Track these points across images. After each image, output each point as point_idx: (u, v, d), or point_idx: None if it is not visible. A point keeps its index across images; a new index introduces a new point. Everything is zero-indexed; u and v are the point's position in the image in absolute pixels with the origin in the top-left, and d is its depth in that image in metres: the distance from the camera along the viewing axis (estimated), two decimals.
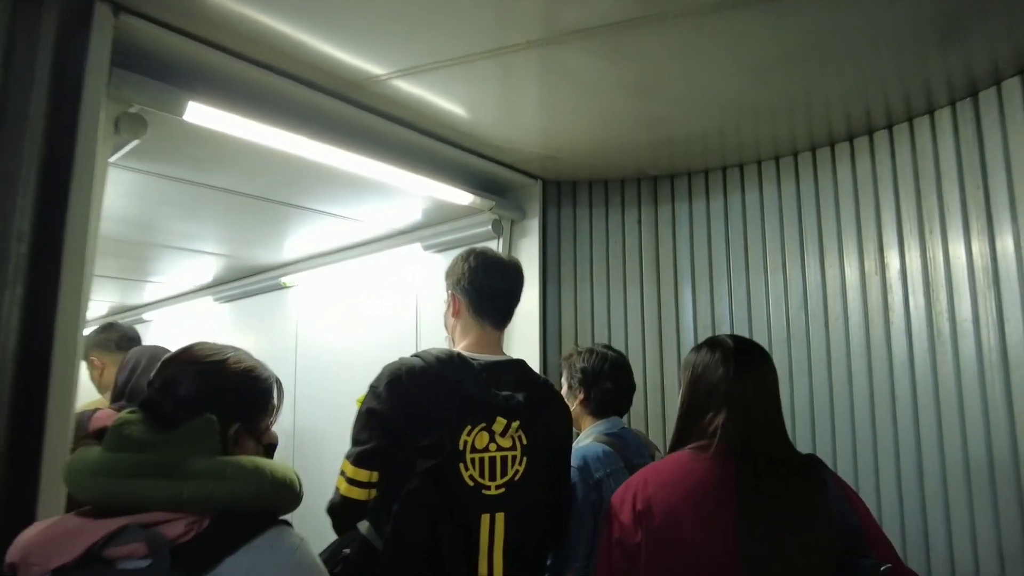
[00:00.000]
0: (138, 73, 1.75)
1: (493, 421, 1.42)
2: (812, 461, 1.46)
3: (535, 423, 1.49)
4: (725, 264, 2.74)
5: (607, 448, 1.90)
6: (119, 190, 2.73)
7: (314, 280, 3.95)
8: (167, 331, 5.54)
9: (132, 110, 1.82)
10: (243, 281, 4.43)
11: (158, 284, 5.15)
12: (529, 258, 2.88)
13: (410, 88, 2.08)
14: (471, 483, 1.38)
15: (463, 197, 2.64)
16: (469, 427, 1.40)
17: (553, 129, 2.41)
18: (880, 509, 2.24)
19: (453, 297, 1.60)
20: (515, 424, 1.43)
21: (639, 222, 2.92)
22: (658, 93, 2.11)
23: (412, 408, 1.37)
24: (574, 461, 1.79)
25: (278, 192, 2.91)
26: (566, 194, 3.02)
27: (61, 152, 1.56)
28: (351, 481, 1.33)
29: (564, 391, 2.13)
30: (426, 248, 3.16)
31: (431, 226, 3.22)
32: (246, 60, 1.89)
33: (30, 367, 1.48)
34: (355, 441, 1.39)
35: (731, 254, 2.73)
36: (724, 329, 2.69)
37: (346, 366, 3.65)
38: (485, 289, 1.55)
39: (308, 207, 3.07)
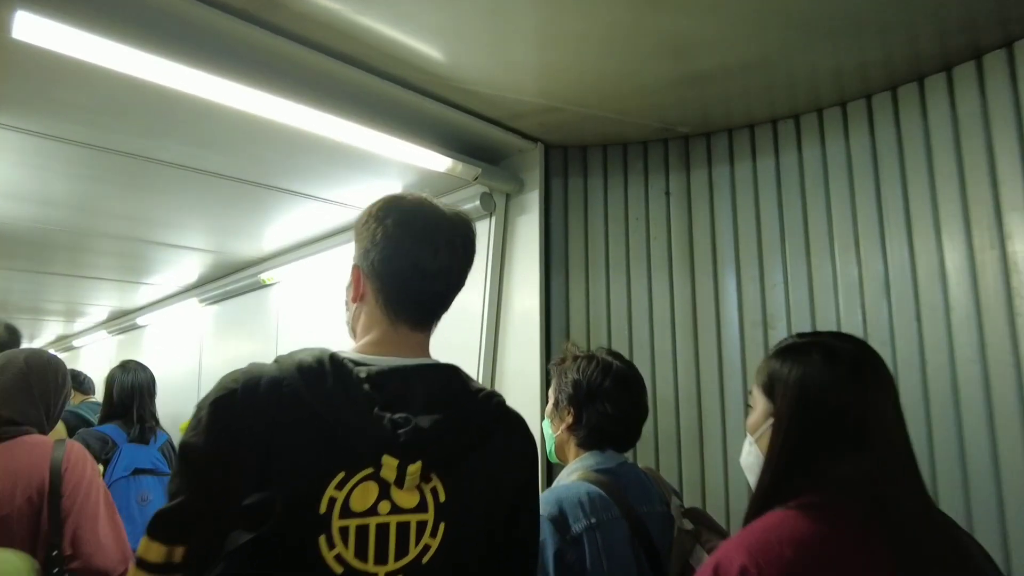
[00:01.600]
0: None
1: (380, 464, 0.87)
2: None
3: (464, 464, 0.94)
4: (779, 242, 2.12)
5: (596, 490, 1.33)
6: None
7: (294, 275, 3.47)
8: (160, 336, 5.16)
9: None
10: (225, 280, 4.02)
11: (151, 286, 4.79)
12: (528, 241, 2.32)
13: (355, 13, 1.55)
14: (339, 569, 0.83)
15: (438, 162, 2.09)
16: (342, 475, 0.85)
17: (555, 69, 1.84)
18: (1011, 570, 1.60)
19: (355, 272, 1.05)
20: (414, 468, 0.87)
21: (667, 193, 2.33)
22: (689, 7, 1.53)
23: (241, 445, 0.84)
24: (545, 509, 1.25)
25: (239, 168, 2.42)
26: (574, 160, 2.44)
27: None
28: (141, 564, 0.80)
29: (549, 409, 1.57)
30: None
31: None
32: None
33: None
34: (168, 495, 0.86)
35: (786, 229, 2.11)
36: (779, 327, 2.08)
37: None
38: (403, 269, 0.99)
39: (274, 186, 2.57)
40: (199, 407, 0.88)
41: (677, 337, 2.25)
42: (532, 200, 2.32)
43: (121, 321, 5.58)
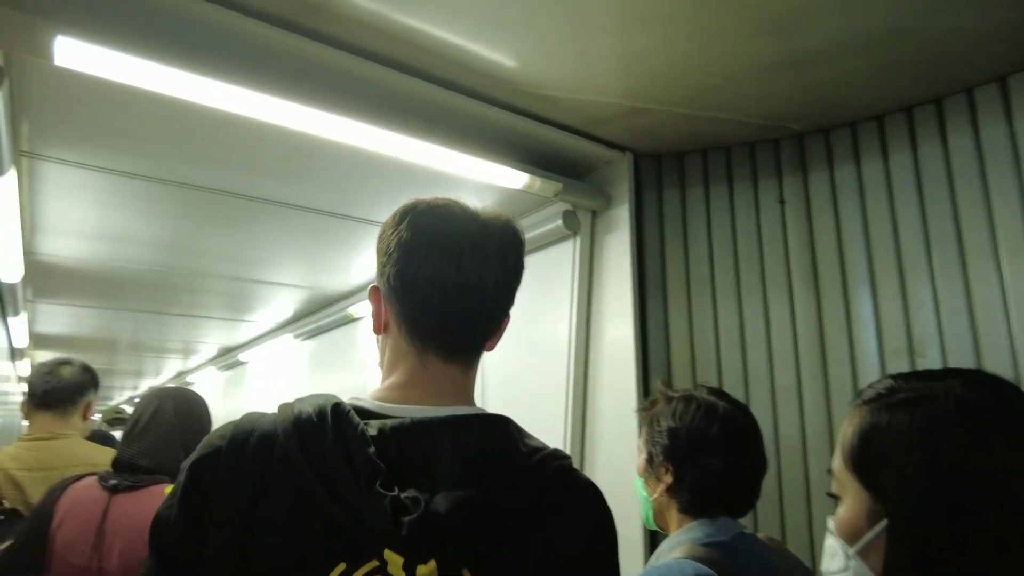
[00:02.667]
0: None
1: (384, 560, 0.64)
2: None
3: (507, 557, 0.69)
4: (924, 253, 1.74)
5: (704, 571, 1.03)
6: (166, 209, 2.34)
7: None
8: (261, 371, 5.27)
9: None
10: (317, 315, 4.01)
11: (252, 323, 4.91)
12: (619, 263, 2.05)
13: (421, 23, 1.39)
14: None
15: (513, 178, 1.88)
16: (342, 568, 0.64)
17: (639, 62, 1.60)
18: None
19: (373, 296, 0.84)
20: (425, 570, 0.64)
21: (781, 201, 2.00)
22: None
23: (216, 520, 0.66)
24: None
25: (322, 200, 2.35)
26: (669, 169, 2.16)
27: None
28: None
29: (640, 465, 1.29)
30: None
31: None
32: None
33: None
34: None
35: (932, 236, 1.73)
36: (931, 355, 1.69)
37: None
38: (419, 283, 0.77)
39: (352, 216, 2.50)
40: (180, 469, 0.70)
41: (802, 370, 1.89)
42: (622, 216, 2.06)
43: (227, 357, 5.76)
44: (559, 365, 2.10)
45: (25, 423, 2.05)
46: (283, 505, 0.66)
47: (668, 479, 1.20)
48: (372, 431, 0.70)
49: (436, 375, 0.79)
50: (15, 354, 4.78)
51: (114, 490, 1.52)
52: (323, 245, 2.91)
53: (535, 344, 2.25)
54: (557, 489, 0.74)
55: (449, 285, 0.76)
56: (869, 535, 0.72)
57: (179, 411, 1.68)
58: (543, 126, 1.86)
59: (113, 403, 11.62)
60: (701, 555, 1.07)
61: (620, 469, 1.90)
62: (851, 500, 0.75)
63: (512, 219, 0.84)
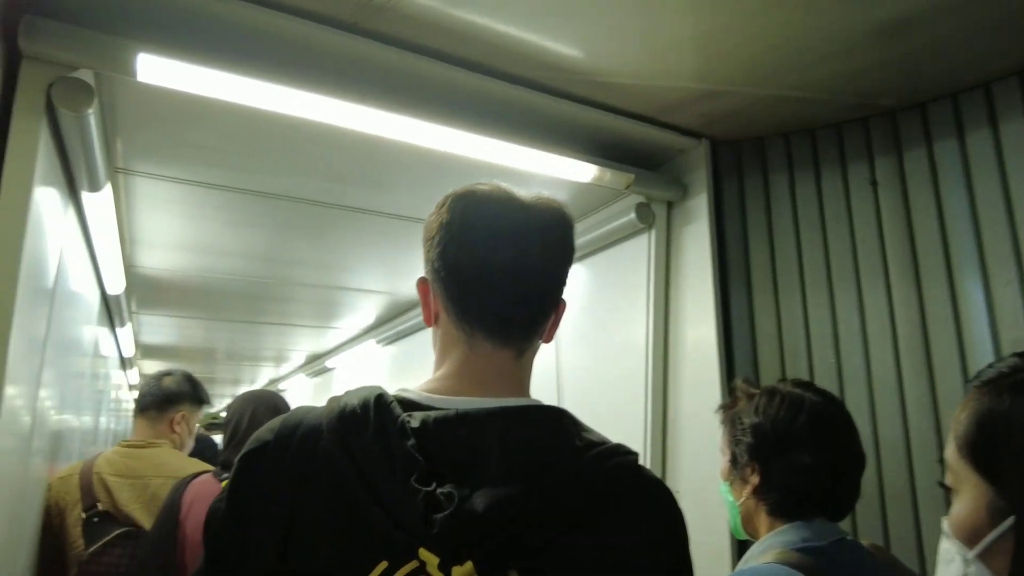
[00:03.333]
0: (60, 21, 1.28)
1: (422, 560, 0.61)
2: None
3: (562, 559, 0.64)
4: None
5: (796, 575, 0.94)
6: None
7: None
8: (347, 377, 5.42)
9: (75, 74, 1.34)
10: (397, 320, 4.08)
11: (337, 330, 5.06)
12: (698, 256, 1.96)
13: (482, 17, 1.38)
14: None
15: (581, 171, 1.83)
16: (383, 566, 0.61)
17: (712, 40, 1.52)
18: None
19: (421, 287, 0.82)
20: (462, 571, 0.60)
21: (873, 183, 1.85)
22: None
23: (259, 516, 0.66)
24: None
25: (395, 204, 2.39)
26: (749, 156, 2.05)
27: None
28: None
29: (724, 469, 1.20)
30: None
31: None
32: None
33: None
34: None
35: None
36: None
37: None
38: (462, 267, 0.75)
39: (420, 217, 2.50)
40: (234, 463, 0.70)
41: (903, 366, 1.74)
42: (699, 207, 1.97)
43: (315, 364, 5.96)
44: (637, 368, 2.02)
45: None
46: (325, 501, 0.64)
47: (755, 480, 1.12)
48: (414, 423, 0.67)
49: (487, 362, 0.75)
50: (125, 363, 5.11)
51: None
52: (401, 250, 2.95)
53: (610, 346, 2.18)
54: (617, 487, 0.68)
55: (493, 265, 0.73)
56: (992, 535, 0.63)
57: (269, 412, 1.84)
58: (612, 116, 1.81)
59: (212, 410, 12.29)
60: (794, 561, 0.98)
61: (705, 476, 1.81)
62: (969, 495, 0.66)
63: (558, 201, 0.80)
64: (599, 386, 2.22)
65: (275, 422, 0.71)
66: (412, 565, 0.60)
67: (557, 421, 0.72)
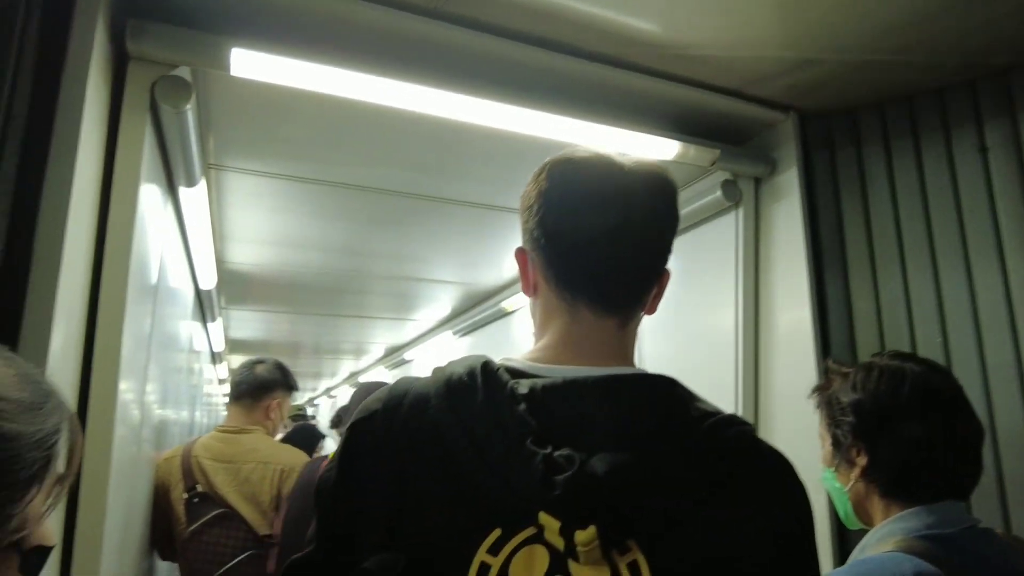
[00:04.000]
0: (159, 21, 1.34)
1: (541, 525, 0.60)
2: None
3: (683, 531, 0.61)
4: None
5: (924, 567, 0.87)
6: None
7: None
8: (424, 370, 5.50)
9: (175, 72, 1.41)
10: (473, 311, 4.11)
11: (415, 322, 5.15)
12: (789, 234, 1.88)
13: None
14: None
15: (664, 148, 1.78)
16: (497, 534, 0.60)
17: (803, 6, 1.45)
18: None
19: (520, 258, 0.80)
20: (584, 536, 0.58)
21: (982, 149, 1.72)
22: None
23: (370, 486, 0.66)
24: None
25: (470, 192, 2.39)
26: (841, 128, 1.94)
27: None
28: None
29: (826, 455, 1.14)
30: None
31: None
32: None
33: None
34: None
35: None
36: None
37: None
38: (563, 232, 0.73)
39: (498, 205, 2.50)
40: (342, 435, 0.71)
41: (1021, 345, 1.61)
42: (789, 183, 1.89)
43: (394, 357, 6.09)
44: (726, 355, 1.95)
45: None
46: (433, 470, 0.64)
47: (862, 460, 1.05)
48: (523, 389, 0.66)
49: (589, 331, 0.73)
50: (215, 358, 5.36)
51: None
52: (475, 239, 2.97)
53: (697, 333, 2.12)
54: (736, 460, 0.65)
55: (595, 231, 0.71)
56: None
57: None
58: (695, 90, 1.75)
59: (296, 403, 12.77)
60: (920, 549, 0.91)
61: (803, 468, 1.73)
62: None
63: (660, 165, 0.77)
64: (685, 376, 2.15)
65: (383, 391, 0.71)
66: (528, 532, 0.60)
67: (668, 389, 0.70)
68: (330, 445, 4.60)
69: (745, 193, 1.94)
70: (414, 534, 0.62)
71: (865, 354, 1.79)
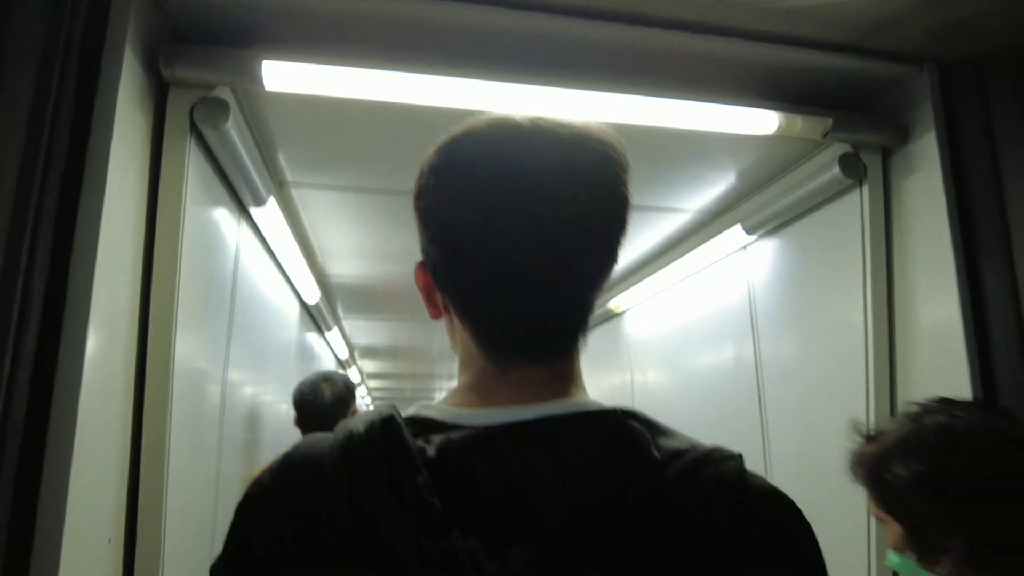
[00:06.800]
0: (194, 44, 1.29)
1: None
2: None
3: None
4: None
5: None
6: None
7: (639, 300, 3.12)
8: None
9: (213, 94, 1.36)
10: None
11: None
12: (931, 213, 1.52)
13: None
14: None
15: (761, 122, 1.50)
16: None
17: None
18: None
19: (422, 275, 0.62)
20: None
21: None
22: None
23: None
24: None
25: None
26: (997, 77, 1.55)
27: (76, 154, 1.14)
28: None
29: (897, 539, 0.88)
30: (749, 230, 2.03)
31: (756, 192, 2.09)
32: None
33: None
34: None
35: None
36: None
37: (685, 399, 2.71)
38: (461, 247, 0.55)
39: None
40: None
41: None
42: (927, 151, 1.53)
43: None
44: (855, 359, 1.63)
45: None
46: (325, 566, 0.48)
47: (958, 544, 0.79)
48: (431, 450, 0.50)
49: (518, 375, 0.55)
50: (343, 364, 5.57)
51: None
52: None
53: (820, 334, 1.80)
54: (718, 510, 0.48)
55: (501, 250, 0.52)
56: None
57: None
58: (799, 50, 1.46)
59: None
60: None
61: None
62: None
63: (596, 127, 0.56)
64: (808, 383, 1.85)
65: (277, 458, 0.57)
66: None
67: (621, 426, 0.52)
68: None
69: (870, 168, 1.60)
70: None
71: None
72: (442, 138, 0.59)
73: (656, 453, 0.50)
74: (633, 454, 0.50)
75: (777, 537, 0.50)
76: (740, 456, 0.51)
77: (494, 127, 0.55)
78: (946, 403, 0.95)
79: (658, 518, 0.47)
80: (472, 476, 0.49)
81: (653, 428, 0.54)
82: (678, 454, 0.50)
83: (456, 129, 0.58)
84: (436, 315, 0.62)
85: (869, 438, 0.96)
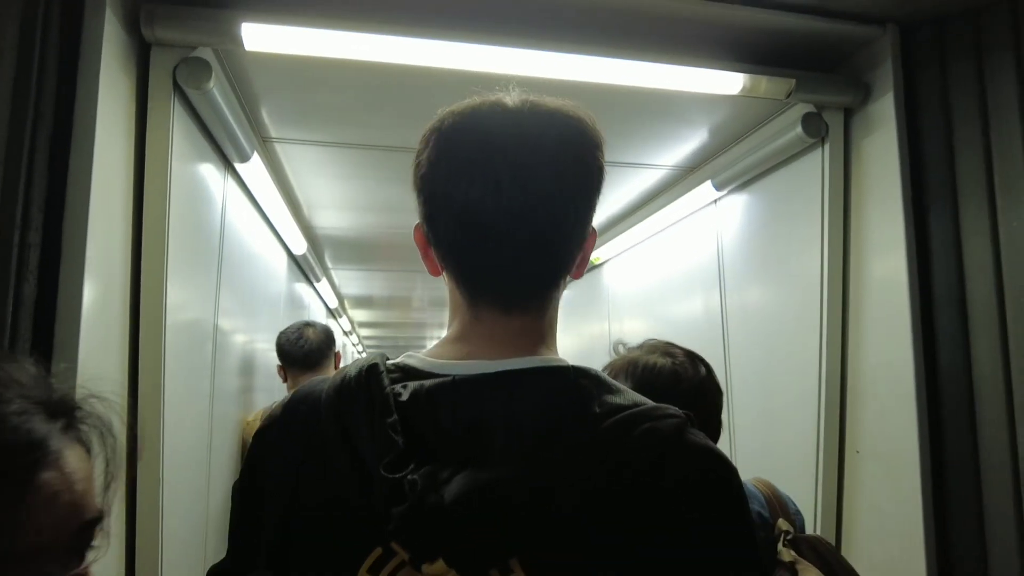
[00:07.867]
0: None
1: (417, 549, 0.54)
2: None
3: (577, 558, 0.53)
4: None
5: None
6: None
7: (616, 252, 3.21)
8: None
9: (195, 53, 1.40)
10: None
11: None
12: (886, 171, 1.60)
13: None
14: None
15: (727, 83, 1.56)
16: (378, 553, 0.55)
17: None
18: None
19: (419, 236, 0.70)
20: (432, 569, 0.52)
21: None
22: None
23: (265, 499, 0.64)
24: None
25: None
26: (954, 38, 1.61)
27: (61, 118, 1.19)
28: None
29: None
30: (719, 185, 2.11)
31: (726, 149, 2.15)
32: None
33: None
34: None
35: None
36: None
37: None
38: (450, 215, 0.63)
39: None
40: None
41: None
42: (885, 110, 1.60)
43: None
44: (811, 310, 1.73)
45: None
46: (321, 483, 0.59)
47: None
48: (404, 395, 0.58)
49: (493, 326, 0.64)
50: (333, 313, 5.67)
51: None
52: None
53: (782, 286, 1.90)
54: (648, 464, 0.54)
55: (486, 218, 0.60)
56: None
57: None
58: (763, 11, 1.50)
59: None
60: None
61: (893, 436, 1.52)
62: None
63: (568, 107, 0.64)
64: (768, 332, 1.96)
65: (287, 398, 0.68)
66: (400, 557, 0.55)
67: (570, 382, 0.60)
68: None
69: (832, 127, 1.67)
70: (304, 548, 0.59)
71: (977, 310, 1.52)
72: (438, 113, 0.66)
73: (597, 408, 0.57)
74: (572, 405, 0.57)
75: (702, 493, 0.55)
76: (685, 415, 0.58)
77: (483, 106, 0.63)
78: (667, 346, 1.18)
79: (586, 462, 0.53)
80: (437, 418, 0.57)
81: (602, 386, 0.60)
82: (619, 408, 0.57)
83: (448, 108, 0.66)
84: (434, 271, 0.69)
85: (617, 355, 1.20)
